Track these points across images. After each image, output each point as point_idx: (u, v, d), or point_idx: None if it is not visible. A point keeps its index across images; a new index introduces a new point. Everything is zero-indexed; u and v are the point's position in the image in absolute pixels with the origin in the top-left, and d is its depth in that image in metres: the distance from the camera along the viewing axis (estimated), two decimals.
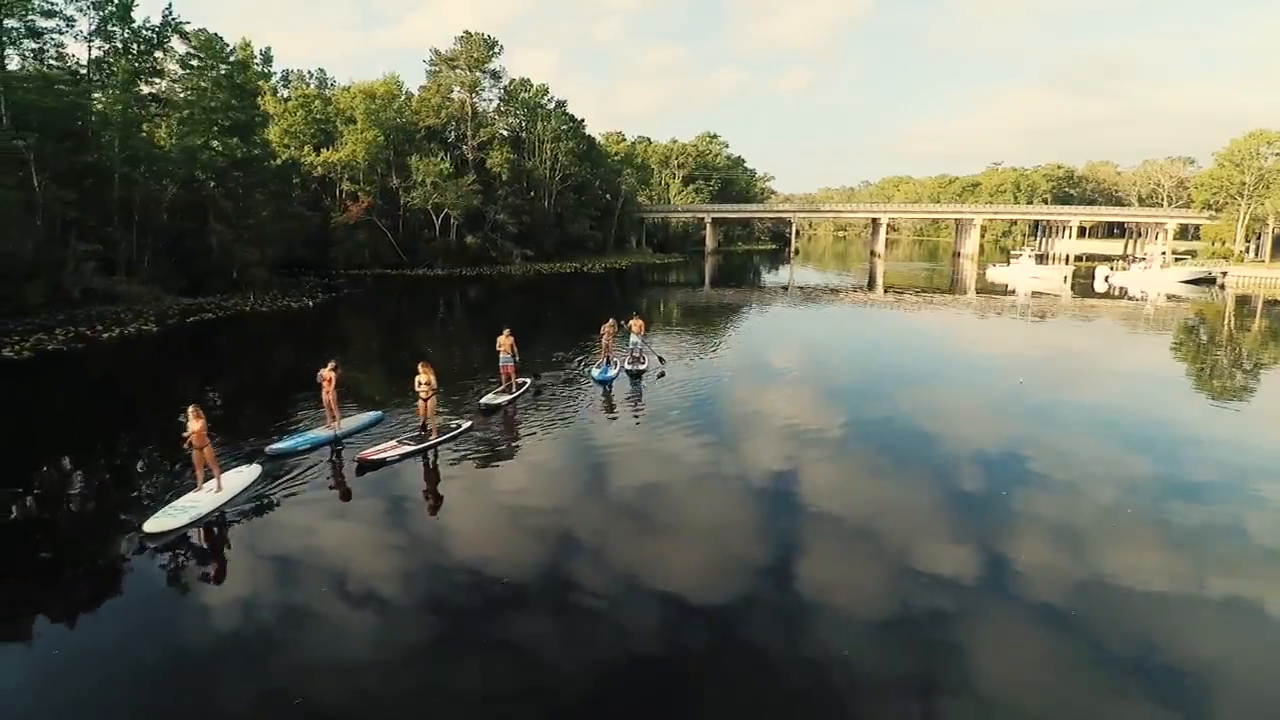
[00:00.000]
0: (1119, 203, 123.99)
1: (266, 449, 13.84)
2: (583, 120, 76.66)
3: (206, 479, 11.53)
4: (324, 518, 11.43)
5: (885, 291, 54.57)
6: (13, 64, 36.68)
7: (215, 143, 40.22)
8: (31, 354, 23.69)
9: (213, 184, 40.90)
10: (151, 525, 10.40)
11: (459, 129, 67.72)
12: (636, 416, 17.57)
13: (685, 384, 20.56)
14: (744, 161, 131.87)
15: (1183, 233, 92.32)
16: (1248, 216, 69.59)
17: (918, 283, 63.33)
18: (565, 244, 71.51)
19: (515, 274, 58.91)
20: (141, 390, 21.59)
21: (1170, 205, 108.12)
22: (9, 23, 36.37)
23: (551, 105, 73.62)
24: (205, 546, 10.41)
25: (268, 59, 60.38)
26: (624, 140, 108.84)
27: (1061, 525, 11.23)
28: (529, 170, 68.66)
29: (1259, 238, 71.00)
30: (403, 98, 65.19)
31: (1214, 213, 75.07)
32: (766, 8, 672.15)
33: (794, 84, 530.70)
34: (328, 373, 14.75)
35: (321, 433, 14.82)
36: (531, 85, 72.56)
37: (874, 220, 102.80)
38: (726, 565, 9.94)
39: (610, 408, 18.15)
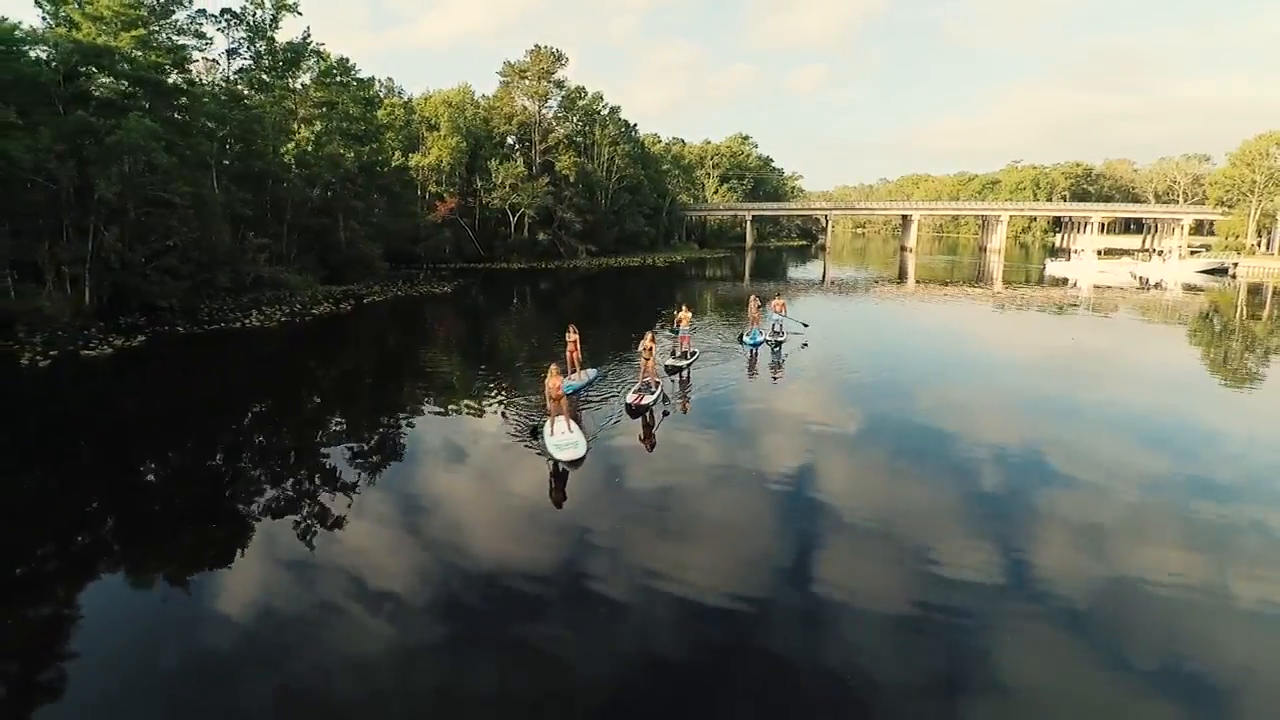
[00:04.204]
0: (1136, 199, 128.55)
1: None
2: (635, 125, 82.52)
3: (557, 417, 14.74)
4: (639, 449, 15.14)
5: (919, 284, 59.46)
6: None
7: (349, 151, 46.11)
8: (275, 325, 29.86)
9: (341, 187, 46.82)
10: (559, 454, 13.65)
11: (525, 133, 73.50)
12: (775, 379, 22.53)
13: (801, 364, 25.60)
14: (772, 161, 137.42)
15: (1199, 228, 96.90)
16: (1259, 212, 74.41)
17: (951, 276, 68.63)
18: (621, 240, 77.40)
19: (583, 268, 64.84)
20: (399, 352, 28.10)
21: (1186, 201, 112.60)
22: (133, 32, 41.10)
23: (605, 111, 79.32)
24: (591, 472, 13.55)
25: (345, 69, 66.43)
26: (659, 141, 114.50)
27: (1085, 525, 11.51)
28: (589, 172, 74.39)
29: (1270, 232, 75.78)
30: (471, 107, 71.10)
31: (1227, 209, 79.85)
32: (781, 3, 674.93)
33: (809, 81, 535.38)
34: (573, 335, 20.02)
35: (573, 381, 19.44)
36: (587, 93, 78.33)
37: (904, 217, 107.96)
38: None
39: (753, 370, 23.26)
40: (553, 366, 15.17)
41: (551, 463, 13.70)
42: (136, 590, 9.79)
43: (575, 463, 13.58)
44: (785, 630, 8.68)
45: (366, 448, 15.38)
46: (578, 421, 15.31)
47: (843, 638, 8.51)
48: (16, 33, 31.56)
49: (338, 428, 17.26)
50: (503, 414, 17.78)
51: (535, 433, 14.97)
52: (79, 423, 17.37)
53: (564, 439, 14.27)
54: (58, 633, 8.61)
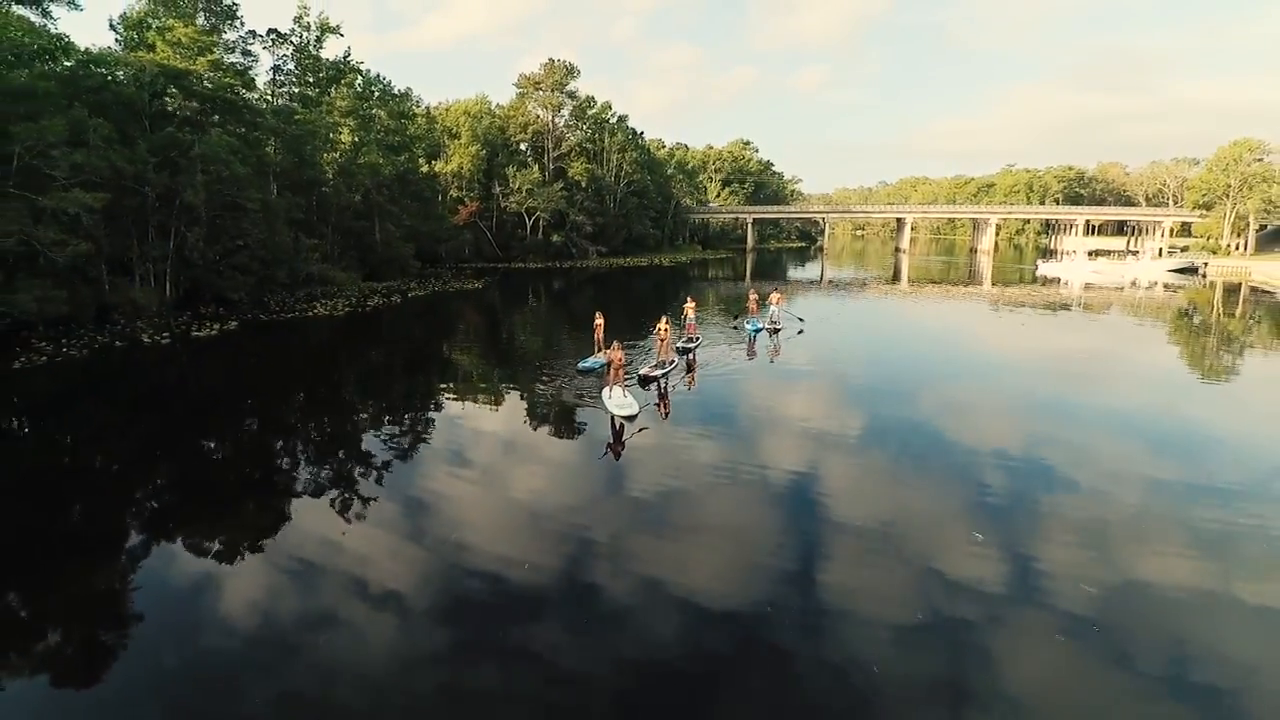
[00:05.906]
0: (1129, 201, 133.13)
1: (577, 367, 22.47)
2: (642, 132, 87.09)
3: (615, 385, 18.50)
4: (656, 418, 17.99)
5: (912, 284, 63.60)
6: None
7: (385, 160, 50.64)
8: (341, 315, 34.53)
9: (378, 192, 51.31)
10: (618, 411, 17.26)
11: (539, 141, 78.12)
12: (773, 361, 26.03)
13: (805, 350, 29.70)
14: (773, 165, 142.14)
15: (1186, 230, 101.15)
16: (1233, 215, 78.77)
17: (944, 277, 73.08)
18: (629, 241, 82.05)
19: (593, 267, 69.33)
20: (449, 336, 32.78)
21: (1175, 204, 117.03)
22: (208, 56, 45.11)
23: (614, 120, 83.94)
24: (648, 424, 17.12)
25: (369, 81, 71.03)
26: (664, 146, 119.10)
27: (1088, 527, 11.56)
28: (599, 177, 78.99)
29: (1244, 234, 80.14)
30: (488, 117, 75.74)
31: (1204, 211, 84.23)
32: (784, 5, 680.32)
33: (810, 82, 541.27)
34: (600, 320, 24.19)
35: (599, 358, 23.17)
36: (596, 103, 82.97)
37: (899, 220, 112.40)
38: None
39: (752, 354, 26.94)
40: (615, 342, 18.91)
41: (611, 418, 17.39)
42: (190, 554, 10.86)
43: (631, 418, 17.12)
44: (789, 623, 8.94)
45: (430, 420, 18.49)
46: (624, 391, 18.79)
47: (845, 637, 8.65)
48: (106, 57, 36.16)
49: (404, 399, 21.68)
50: (541, 387, 21.69)
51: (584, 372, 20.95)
52: (202, 385, 22.27)
53: (621, 401, 18.13)
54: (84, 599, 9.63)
